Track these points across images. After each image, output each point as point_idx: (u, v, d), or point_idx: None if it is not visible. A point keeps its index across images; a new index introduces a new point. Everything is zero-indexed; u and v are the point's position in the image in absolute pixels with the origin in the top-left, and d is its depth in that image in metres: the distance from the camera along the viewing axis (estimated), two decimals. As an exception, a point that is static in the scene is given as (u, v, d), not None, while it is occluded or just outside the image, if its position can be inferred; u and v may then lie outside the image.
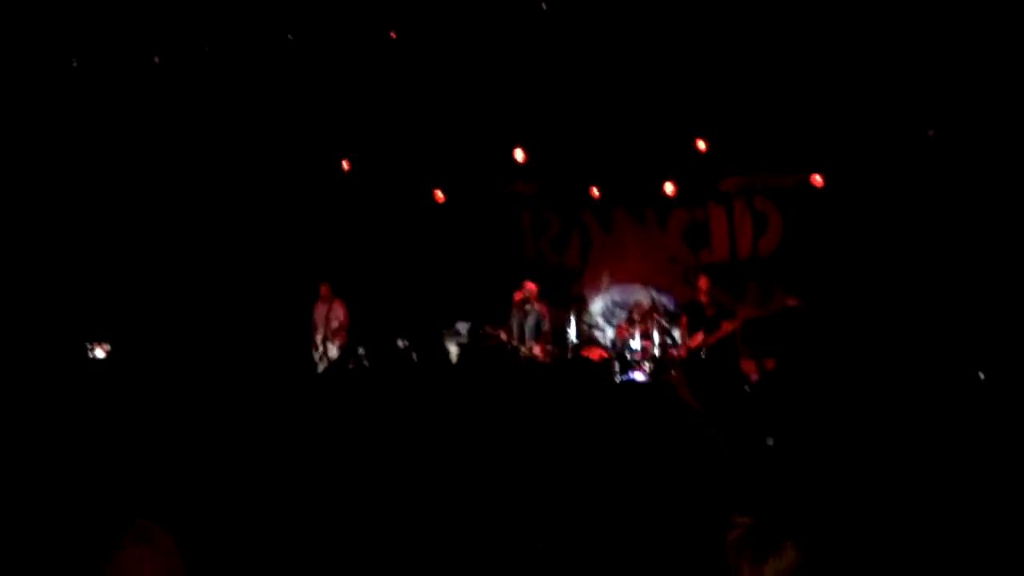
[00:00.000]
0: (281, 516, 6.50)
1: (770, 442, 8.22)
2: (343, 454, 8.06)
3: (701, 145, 12.60)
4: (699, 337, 11.66)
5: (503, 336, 12.19)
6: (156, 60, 12.27)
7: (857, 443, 7.70)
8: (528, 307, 12.22)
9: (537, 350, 11.90)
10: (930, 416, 8.26)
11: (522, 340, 12.08)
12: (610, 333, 12.91)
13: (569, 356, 11.94)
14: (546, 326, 12.18)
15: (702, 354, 11.53)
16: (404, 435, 8.33)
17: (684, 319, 12.07)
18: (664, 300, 12.88)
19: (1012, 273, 11.17)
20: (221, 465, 7.71)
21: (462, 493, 6.99)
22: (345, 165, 13.85)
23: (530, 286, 12.29)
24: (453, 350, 12.63)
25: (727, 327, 11.57)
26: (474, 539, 6.32)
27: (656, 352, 11.74)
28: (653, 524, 6.53)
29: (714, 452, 7.83)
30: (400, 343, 12.45)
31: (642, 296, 12.88)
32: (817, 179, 12.42)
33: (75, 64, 12.15)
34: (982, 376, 9.67)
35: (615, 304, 13.40)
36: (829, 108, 11.92)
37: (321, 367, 12.85)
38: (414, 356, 12.26)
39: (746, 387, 10.62)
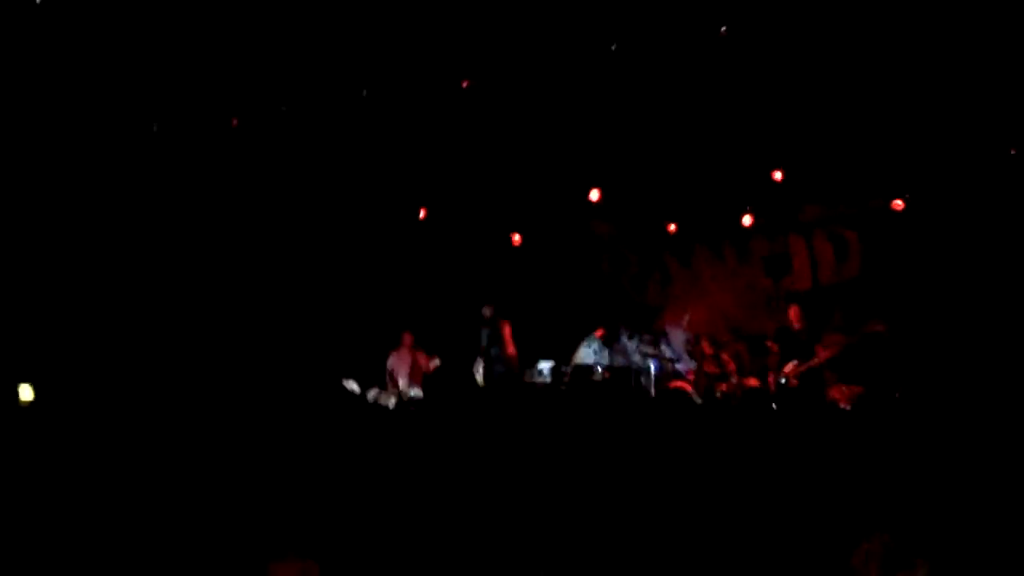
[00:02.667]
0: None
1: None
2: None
3: (778, 176, 12.50)
4: (792, 365, 11.51)
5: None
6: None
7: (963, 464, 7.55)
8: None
9: None
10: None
11: None
12: (692, 364, 12.81)
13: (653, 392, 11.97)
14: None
15: (790, 382, 11.38)
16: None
17: (776, 348, 11.93)
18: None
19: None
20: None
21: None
22: (422, 212, 13.92)
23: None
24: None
25: (822, 354, 11.41)
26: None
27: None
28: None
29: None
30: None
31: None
32: (898, 204, 12.24)
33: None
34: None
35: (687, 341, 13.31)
36: (907, 132, 11.79)
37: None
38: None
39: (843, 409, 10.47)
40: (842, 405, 10.65)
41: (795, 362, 11.50)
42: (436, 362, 13.09)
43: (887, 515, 6.53)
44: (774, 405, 11.08)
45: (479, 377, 12.61)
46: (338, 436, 10.42)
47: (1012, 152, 11.54)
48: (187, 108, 12.41)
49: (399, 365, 13.30)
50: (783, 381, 11.42)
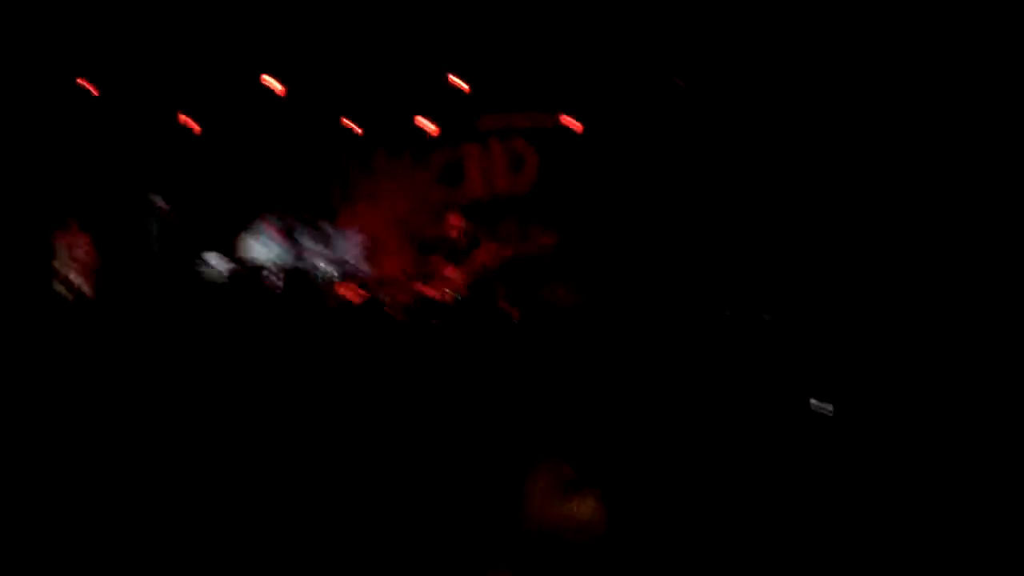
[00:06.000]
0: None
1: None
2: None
3: (459, 84, 12.70)
4: (452, 271, 11.83)
5: None
6: None
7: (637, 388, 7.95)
8: None
9: None
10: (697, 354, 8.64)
11: None
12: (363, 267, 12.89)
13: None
14: None
15: (455, 292, 11.71)
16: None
17: (437, 257, 12.21)
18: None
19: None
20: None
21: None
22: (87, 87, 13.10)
23: None
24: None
25: (479, 258, 11.80)
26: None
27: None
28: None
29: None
30: None
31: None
32: (572, 120, 12.72)
33: None
34: (728, 313, 10.12)
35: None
36: (586, 50, 12.23)
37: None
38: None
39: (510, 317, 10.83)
40: (514, 316, 11.09)
41: (453, 268, 11.83)
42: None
43: (561, 441, 6.81)
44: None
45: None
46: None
47: (679, 84, 12.23)
48: None
49: (62, 249, 12.55)
50: (454, 292, 11.72)
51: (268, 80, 12.72)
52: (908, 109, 10.36)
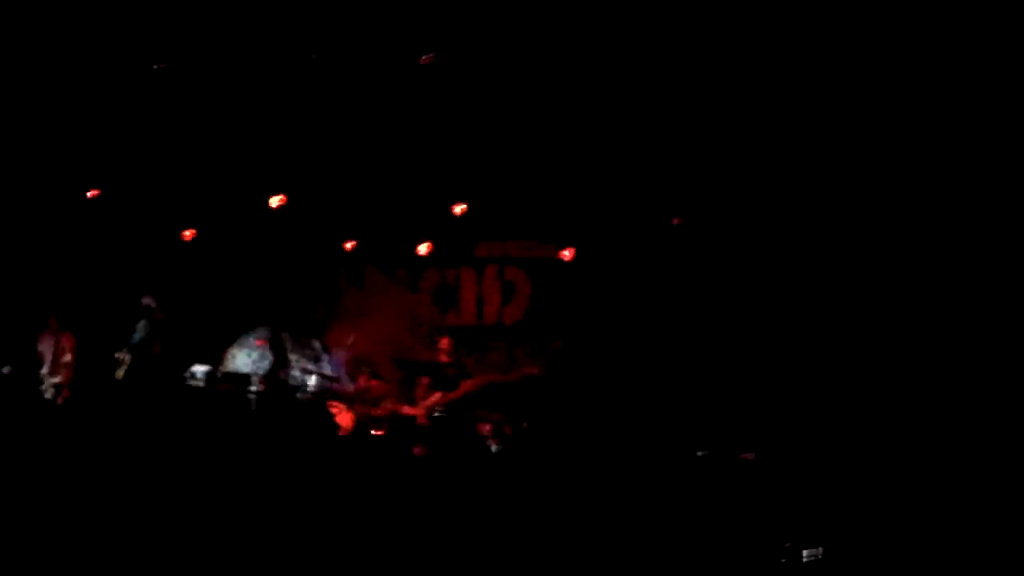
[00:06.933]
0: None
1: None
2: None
3: (458, 209, 12.72)
4: (436, 396, 11.72)
5: None
6: None
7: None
8: None
9: None
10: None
11: None
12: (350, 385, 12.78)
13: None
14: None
15: (438, 413, 11.57)
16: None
17: (425, 380, 12.09)
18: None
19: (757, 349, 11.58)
20: None
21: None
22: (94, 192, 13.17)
23: None
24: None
25: (466, 386, 11.70)
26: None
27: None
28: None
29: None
30: None
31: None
32: (566, 254, 12.74)
33: None
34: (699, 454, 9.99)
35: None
36: (586, 186, 12.28)
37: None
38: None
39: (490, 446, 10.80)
40: (492, 442, 11.03)
41: (439, 394, 11.74)
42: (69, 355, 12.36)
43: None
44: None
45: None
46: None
47: (675, 222, 12.25)
48: None
49: (45, 350, 12.53)
50: (436, 413, 11.60)
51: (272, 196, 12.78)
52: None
